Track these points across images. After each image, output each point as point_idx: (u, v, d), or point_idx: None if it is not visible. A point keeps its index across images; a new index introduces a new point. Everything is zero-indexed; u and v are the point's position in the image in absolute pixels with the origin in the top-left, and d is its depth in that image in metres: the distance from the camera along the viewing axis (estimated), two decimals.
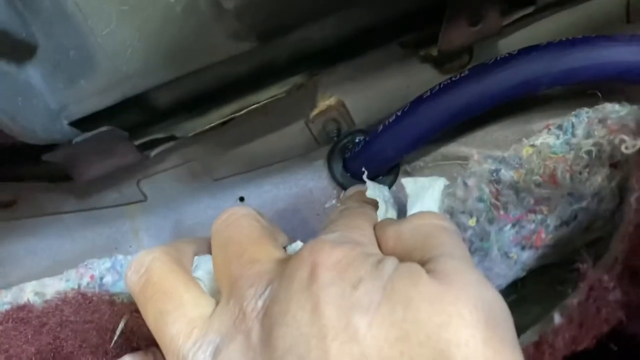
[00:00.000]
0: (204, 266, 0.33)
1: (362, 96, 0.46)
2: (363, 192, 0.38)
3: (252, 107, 0.40)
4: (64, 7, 0.33)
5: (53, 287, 0.40)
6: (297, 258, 0.26)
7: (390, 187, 0.46)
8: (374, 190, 0.38)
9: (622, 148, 0.29)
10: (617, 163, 0.33)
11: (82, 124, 0.37)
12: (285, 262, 0.27)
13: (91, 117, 0.37)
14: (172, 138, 0.42)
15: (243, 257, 0.28)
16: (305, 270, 0.25)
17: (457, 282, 0.24)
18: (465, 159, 0.44)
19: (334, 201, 0.48)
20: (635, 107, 0.35)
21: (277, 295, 0.25)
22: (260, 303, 0.26)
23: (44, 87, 0.35)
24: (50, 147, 0.38)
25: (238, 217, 0.31)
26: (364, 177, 0.41)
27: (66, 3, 0.33)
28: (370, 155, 0.43)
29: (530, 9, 0.42)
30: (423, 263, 0.26)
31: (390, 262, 0.26)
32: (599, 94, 0.37)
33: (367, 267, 0.25)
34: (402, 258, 0.28)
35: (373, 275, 0.25)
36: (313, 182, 0.48)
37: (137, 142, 0.41)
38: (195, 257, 0.34)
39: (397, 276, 0.25)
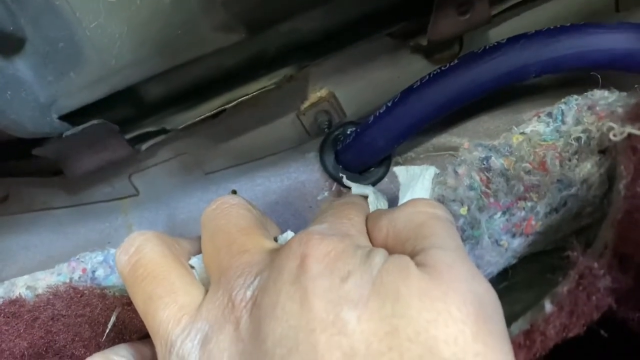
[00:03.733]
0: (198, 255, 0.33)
1: (353, 87, 0.46)
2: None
3: (243, 98, 0.40)
4: None
5: (45, 281, 0.40)
6: (286, 249, 0.26)
7: (382, 178, 0.46)
8: (358, 188, 0.38)
9: (611, 135, 0.29)
10: (605, 149, 0.33)
11: (72, 117, 0.37)
12: (275, 253, 0.27)
13: (81, 110, 0.37)
14: (163, 131, 0.42)
15: (232, 247, 0.28)
16: (295, 262, 0.25)
17: (446, 276, 0.24)
18: (457, 149, 0.44)
19: (326, 193, 0.48)
20: (623, 94, 0.35)
21: (266, 286, 0.25)
22: (249, 293, 0.26)
23: (33, 80, 0.35)
24: (41, 141, 0.38)
25: (228, 207, 0.31)
26: (344, 179, 0.41)
27: None
28: (362, 147, 0.43)
29: None
30: (415, 254, 0.26)
31: (380, 255, 0.26)
32: (598, 76, 0.37)
33: (356, 260, 0.25)
34: (395, 248, 0.28)
35: (362, 268, 0.25)
36: (305, 174, 0.48)
37: (128, 136, 0.41)
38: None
39: (386, 270, 0.25)
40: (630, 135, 0.28)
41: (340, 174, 0.44)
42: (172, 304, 0.28)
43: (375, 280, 0.24)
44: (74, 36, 0.34)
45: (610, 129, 0.29)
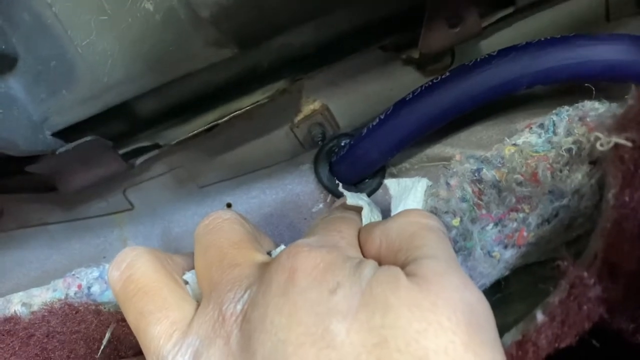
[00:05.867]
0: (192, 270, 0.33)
1: (346, 100, 0.46)
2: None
3: (236, 113, 0.40)
4: (43, 18, 0.34)
5: (40, 297, 0.40)
6: (275, 262, 0.27)
7: (376, 189, 0.46)
8: (353, 197, 0.38)
9: (598, 145, 0.29)
10: (596, 160, 0.33)
11: (66, 134, 0.38)
12: (265, 267, 0.27)
13: (74, 127, 0.37)
14: (156, 146, 0.42)
15: (223, 262, 0.29)
16: (283, 275, 0.25)
17: (436, 286, 0.24)
18: (450, 159, 0.44)
19: (321, 205, 0.48)
20: (614, 104, 0.35)
21: (256, 299, 0.26)
22: (239, 307, 0.26)
23: (25, 99, 0.35)
24: (34, 158, 0.38)
25: (221, 221, 0.31)
26: (340, 188, 0.41)
27: (45, 14, 0.33)
28: (355, 159, 0.44)
29: (510, 10, 0.42)
30: (407, 264, 0.26)
31: (369, 266, 0.26)
32: (592, 87, 0.37)
33: (345, 272, 0.25)
34: (388, 258, 0.28)
35: (351, 279, 0.25)
36: (300, 186, 0.48)
37: (121, 151, 0.41)
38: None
39: (375, 281, 0.25)
40: (617, 145, 0.28)
41: (337, 182, 0.44)
42: (164, 320, 0.28)
43: (364, 291, 0.24)
44: (65, 54, 0.34)
45: (597, 139, 0.29)
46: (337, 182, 0.44)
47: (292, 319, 0.24)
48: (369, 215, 0.37)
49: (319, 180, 0.47)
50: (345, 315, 0.23)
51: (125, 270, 0.30)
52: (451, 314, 0.23)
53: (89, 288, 0.40)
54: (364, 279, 0.25)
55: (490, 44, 0.45)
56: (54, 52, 0.34)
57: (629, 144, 0.27)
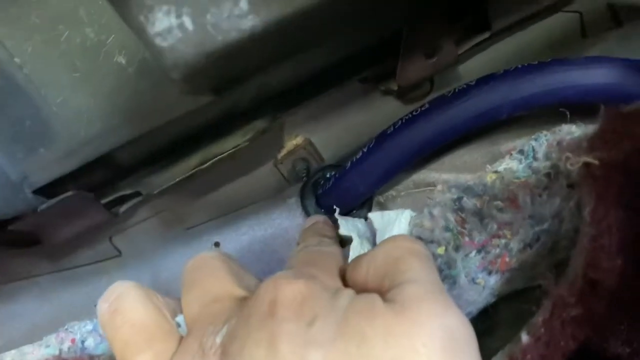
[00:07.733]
0: None
1: (329, 133, 0.46)
2: (320, 224, 0.39)
3: (217, 158, 0.41)
4: (15, 79, 0.34)
5: (33, 354, 0.39)
6: (254, 296, 0.27)
7: (364, 219, 0.46)
8: (347, 226, 0.38)
9: (568, 165, 0.29)
10: (574, 183, 0.33)
11: (47, 189, 0.37)
12: (245, 301, 0.28)
13: (55, 181, 0.37)
14: (138, 194, 0.42)
15: (205, 297, 0.29)
16: (262, 308, 0.26)
17: (413, 312, 0.24)
18: (436, 185, 0.44)
19: None
20: (590, 126, 0.35)
21: (235, 332, 0.26)
22: (218, 340, 0.26)
23: (2, 160, 0.35)
24: (16, 216, 0.38)
25: (205, 260, 0.32)
26: (336, 214, 0.41)
27: (17, 76, 0.33)
28: (341, 192, 0.44)
29: (486, 35, 0.42)
30: (390, 289, 0.26)
31: (346, 295, 0.26)
32: (567, 112, 0.37)
33: (323, 302, 0.26)
34: (374, 284, 0.29)
35: (328, 310, 0.25)
36: (288, 220, 0.48)
37: (104, 200, 0.41)
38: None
39: (351, 309, 0.25)
40: (589, 164, 0.29)
41: (334, 207, 0.44)
42: (148, 350, 0.28)
43: (340, 322, 0.24)
44: (40, 113, 0.34)
45: (567, 158, 0.29)
46: (334, 207, 0.44)
47: (270, 350, 0.24)
48: (359, 246, 0.37)
49: (307, 213, 0.47)
50: (322, 345, 0.24)
51: (114, 303, 0.30)
52: (427, 340, 0.23)
53: (82, 342, 0.40)
54: (340, 309, 0.25)
55: (468, 68, 0.46)
56: (29, 112, 0.34)
57: (596, 162, 0.28)
